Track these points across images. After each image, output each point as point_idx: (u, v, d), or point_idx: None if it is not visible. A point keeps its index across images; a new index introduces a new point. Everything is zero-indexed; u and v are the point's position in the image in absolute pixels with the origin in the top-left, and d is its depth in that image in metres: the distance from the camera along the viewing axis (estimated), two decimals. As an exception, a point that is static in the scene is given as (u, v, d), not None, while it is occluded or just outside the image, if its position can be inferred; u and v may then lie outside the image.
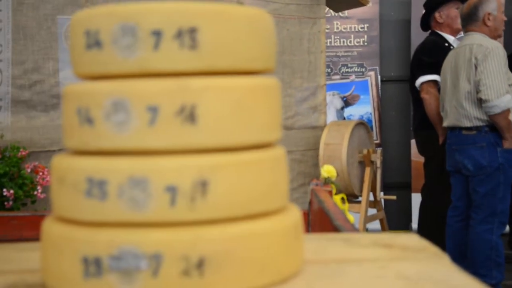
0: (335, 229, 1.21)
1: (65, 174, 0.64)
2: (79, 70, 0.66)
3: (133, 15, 0.62)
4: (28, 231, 1.82)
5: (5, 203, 2.55)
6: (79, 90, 0.64)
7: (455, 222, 3.17)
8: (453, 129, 3.13)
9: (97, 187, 0.61)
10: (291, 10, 3.60)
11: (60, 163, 0.65)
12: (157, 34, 0.61)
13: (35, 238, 1.76)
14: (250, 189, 0.63)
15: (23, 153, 2.76)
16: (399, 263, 0.74)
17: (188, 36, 0.62)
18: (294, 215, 0.70)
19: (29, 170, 2.73)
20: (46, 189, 2.78)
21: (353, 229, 1.18)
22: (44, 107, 3.07)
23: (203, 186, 0.61)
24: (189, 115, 0.61)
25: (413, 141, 4.49)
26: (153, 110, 0.61)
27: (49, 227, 0.66)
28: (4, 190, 2.53)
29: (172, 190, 0.60)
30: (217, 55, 0.63)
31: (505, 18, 3.25)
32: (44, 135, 3.04)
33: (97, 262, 0.60)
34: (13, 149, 2.74)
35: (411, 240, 0.88)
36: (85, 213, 0.62)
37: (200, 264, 0.60)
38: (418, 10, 4.66)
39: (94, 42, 0.64)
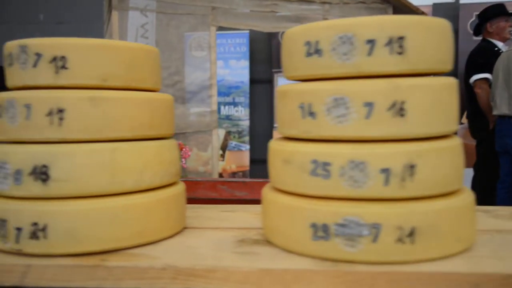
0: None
1: (291, 157, 0.60)
2: (298, 73, 0.62)
3: (350, 27, 0.56)
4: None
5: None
6: (301, 89, 0.60)
7: (504, 193, 2.94)
8: (503, 117, 2.87)
9: (321, 168, 0.57)
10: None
11: (284, 147, 0.62)
12: (371, 42, 0.55)
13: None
14: (447, 171, 0.57)
15: (170, 134, 2.83)
16: (556, 235, 0.65)
17: (397, 43, 0.55)
18: (470, 193, 0.62)
19: (175, 147, 2.80)
20: (186, 161, 2.84)
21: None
22: (182, 100, 3.13)
23: (411, 168, 0.55)
24: (399, 110, 0.55)
25: (461, 127, 4.20)
26: (369, 106, 0.55)
27: (275, 197, 0.63)
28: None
29: (386, 172, 0.55)
30: (419, 59, 0.56)
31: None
32: (182, 120, 3.10)
33: (325, 228, 0.56)
34: (164, 131, 2.81)
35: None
36: (311, 189, 0.58)
37: (412, 233, 0.54)
38: (464, 22, 4.32)
39: (314, 50, 0.59)
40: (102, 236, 0.61)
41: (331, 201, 0.57)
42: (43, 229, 0.60)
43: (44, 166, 0.60)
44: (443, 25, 0.59)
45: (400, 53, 0.55)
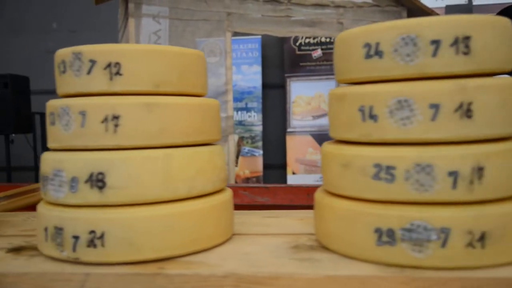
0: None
1: (351, 161, 0.59)
2: (355, 76, 0.61)
3: (414, 28, 0.55)
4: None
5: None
6: (361, 92, 0.59)
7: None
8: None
9: (384, 172, 0.56)
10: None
11: (342, 151, 0.61)
12: (436, 42, 0.54)
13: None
14: (514, 174, 0.55)
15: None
16: None
17: (463, 43, 0.54)
18: (534, 195, 0.61)
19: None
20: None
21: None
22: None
23: (479, 171, 0.53)
24: (466, 111, 0.54)
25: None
26: (435, 107, 0.54)
27: (332, 202, 0.61)
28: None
29: (454, 175, 0.53)
30: (485, 58, 0.55)
31: None
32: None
33: (390, 233, 0.55)
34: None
35: None
36: (373, 193, 0.57)
37: (482, 238, 0.53)
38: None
39: (374, 52, 0.58)
40: (159, 244, 0.60)
41: (396, 205, 0.55)
42: (101, 237, 0.59)
43: (101, 173, 0.60)
44: (506, 24, 0.58)
45: (466, 53, 0.54)
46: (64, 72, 0.64)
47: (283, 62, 4.46)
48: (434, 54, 0.55)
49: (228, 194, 0.71)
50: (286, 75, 4.42)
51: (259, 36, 4.39)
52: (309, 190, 1.99)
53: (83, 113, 0.61)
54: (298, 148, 4.39)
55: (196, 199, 0.65)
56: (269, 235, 0.72)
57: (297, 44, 4.51)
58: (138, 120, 0.61)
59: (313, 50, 4.49)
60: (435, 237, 0.53)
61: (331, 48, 4.55)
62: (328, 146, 0.65)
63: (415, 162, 0.54)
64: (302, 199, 1.99)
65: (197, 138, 0.66)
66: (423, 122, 0.54)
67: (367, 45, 0.58)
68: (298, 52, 4.48)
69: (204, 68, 0.71)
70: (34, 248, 0.68)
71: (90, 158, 0.60)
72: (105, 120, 0.60)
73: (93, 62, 0.62)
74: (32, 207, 1.40)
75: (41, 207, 0.65)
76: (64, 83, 0.65)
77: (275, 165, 4.40)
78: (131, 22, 2.92)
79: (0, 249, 0.68)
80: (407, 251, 0.54)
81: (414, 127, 0.55)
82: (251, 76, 4.54)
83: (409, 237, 0.54)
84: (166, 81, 0.64)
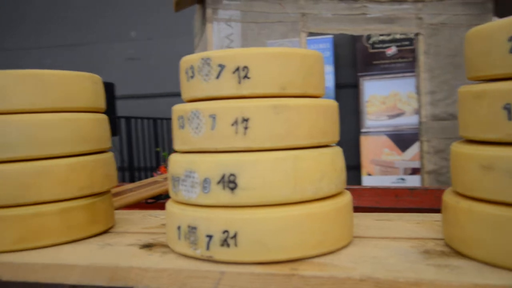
0: None
1: (495, 162, 0.55)
2: (498, 72, 0.57)
3: None
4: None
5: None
6: (507, 89, 0.55)
7: None
8: None
9: (538, 174, 0.52)
10: (460, 19, 3.25)
11: (484, 152, 0.57)
12: None
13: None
14: None
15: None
16: None
17: None
18: None
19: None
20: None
21: None
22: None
23: None
24: None
25: None
26: None
27: (472, 206, 0.58)
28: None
29: None
30: None
31: None
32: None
33: (547, 241, 0.51)
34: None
35: None
36: (524, 196, 0.53)
37: None
38: None
39: (522, 46, 0.54)
40: (289, 244, 0.60)
41: (554, 211, 0.51)
42: (234, 237, 0.60)
43: (232, 174, 0.61)
44: None
45: None
46: (192, 77, 0.67)
47: (356, 61, 4.36)
48: None
49: (348, 196, 0.70)
50: (359, 74, 4.32)
51: (331, 36, 4.33)
52: (398, 192, 1.92)
53: (213, 116, 0.63)
54: (373, 149, 4.27)
55: (322, 200, 0.64)
56: (390, 239, 0.70)
57: (370, 42, 4.39)
58: (267, 122, 0.62)
59: (387, 47, 4.34)
60: None
61: (407, 45, 4.37)
62: (461, 146, 0.61)
63: None
64: (390, 201, 1.92)
65: (321, 140, 0.66)
66: None
67: (513, 38, 0.54)
68: (371, 50, 4.36)
69: (323, 69, 0.71)
70: (163, 245, 0.72)
71: (221, 160, 0.62)
72: (235, 123, 0.62)
73: (221, 66, 0.63)
74: (132, 206, 1.48)
75: (171, 207, 0.68)
76: (192, 88, 0.67)
77: (349, 166, 4.29)
78: (209, 27, 3.01)
79: (132, 245, 0.72)
80: None
81: None
82: (322, 76, 4.46)
83: None
84: (291, 83, 0.64)
